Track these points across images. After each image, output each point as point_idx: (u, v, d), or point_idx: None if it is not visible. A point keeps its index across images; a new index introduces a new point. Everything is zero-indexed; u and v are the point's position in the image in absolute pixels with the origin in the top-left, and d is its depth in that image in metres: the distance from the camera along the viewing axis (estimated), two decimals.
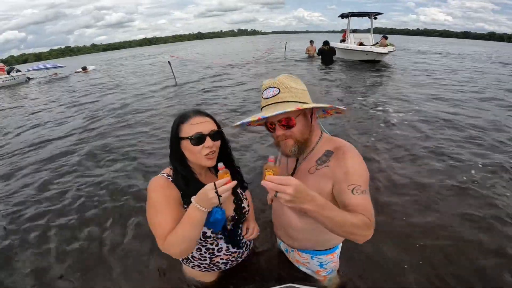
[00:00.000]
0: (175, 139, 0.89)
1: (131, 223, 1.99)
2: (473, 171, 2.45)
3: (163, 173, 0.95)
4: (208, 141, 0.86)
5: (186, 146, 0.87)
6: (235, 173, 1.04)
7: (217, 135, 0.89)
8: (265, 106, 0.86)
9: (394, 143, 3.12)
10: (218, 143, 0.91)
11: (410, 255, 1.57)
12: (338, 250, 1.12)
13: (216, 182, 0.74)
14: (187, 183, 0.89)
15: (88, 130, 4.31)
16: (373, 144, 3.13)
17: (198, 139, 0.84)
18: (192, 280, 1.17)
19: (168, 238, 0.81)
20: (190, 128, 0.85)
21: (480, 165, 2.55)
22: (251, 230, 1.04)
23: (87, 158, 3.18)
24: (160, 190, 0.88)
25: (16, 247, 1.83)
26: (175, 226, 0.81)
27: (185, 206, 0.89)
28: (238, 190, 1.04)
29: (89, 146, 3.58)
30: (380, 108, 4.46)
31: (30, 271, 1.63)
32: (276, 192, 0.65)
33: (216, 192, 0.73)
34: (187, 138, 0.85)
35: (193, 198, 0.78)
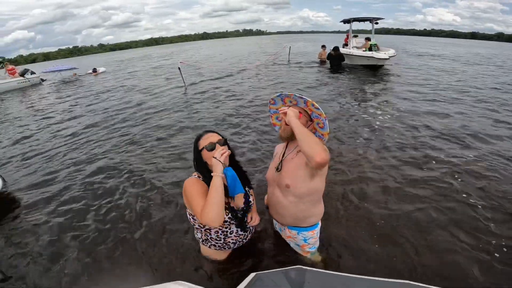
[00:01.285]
0: (197, 151, 1.28)
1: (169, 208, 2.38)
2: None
3: (194, 175, 1.32)
4: (218, 146, 1.25)
5: (205, 154, 1.26)
6: (242, 174, 1.40)
7: (222, 142, 1.28)
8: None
9: (380, 145, 3.45)
10: (226, 147, 1.27)
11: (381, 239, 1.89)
12: (317, 229, 1.50)
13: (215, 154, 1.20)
14: None
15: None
16: (361, 145, 3.46)
17: (211, 146, 1.24)
18: (208, 257, 1.54)
19: (203, 209, 1.14)
20: (204, 141, 1.26)
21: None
22: (254, 218, 1.41)
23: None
24: (195, 185, 1.24)
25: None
26: None
27: None
28: (246, 189, 1.40)
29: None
30: (371, 113, 4.72)
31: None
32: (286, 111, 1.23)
33: (216, 158, 1.17)
34: (204, 148, 1.25)
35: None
